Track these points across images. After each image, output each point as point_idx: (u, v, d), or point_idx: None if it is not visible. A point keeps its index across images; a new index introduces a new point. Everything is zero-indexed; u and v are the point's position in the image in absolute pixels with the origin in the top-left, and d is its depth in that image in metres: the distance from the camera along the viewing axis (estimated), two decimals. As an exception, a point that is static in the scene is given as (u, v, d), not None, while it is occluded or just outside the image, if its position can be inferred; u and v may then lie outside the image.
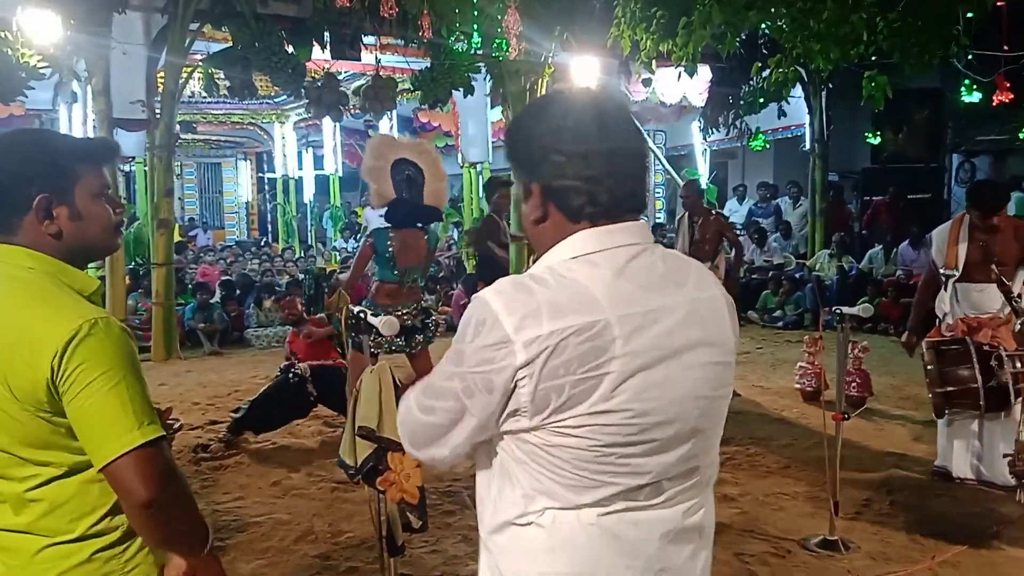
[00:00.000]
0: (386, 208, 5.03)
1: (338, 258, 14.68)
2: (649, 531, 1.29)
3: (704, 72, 10.71)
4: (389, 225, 5.10)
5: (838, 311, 3.99)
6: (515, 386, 1.20)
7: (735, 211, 13.90)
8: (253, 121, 16.41)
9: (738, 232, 9.44)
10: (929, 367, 4.50)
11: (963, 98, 10.04)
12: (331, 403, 5.79)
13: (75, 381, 1.44)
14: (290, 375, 5.75)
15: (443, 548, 3.89)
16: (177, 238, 11.29)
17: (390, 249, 5.05)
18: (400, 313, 4.92)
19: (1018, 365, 4.35)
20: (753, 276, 11.40)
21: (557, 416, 1.20)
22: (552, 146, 1.27)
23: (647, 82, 10.27)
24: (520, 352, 1.18)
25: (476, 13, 8.52)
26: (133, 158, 11.25)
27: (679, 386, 1.26)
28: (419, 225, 5.19)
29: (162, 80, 8.59)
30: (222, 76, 9.90)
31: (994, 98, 8.92)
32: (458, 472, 4.99)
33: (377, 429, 2.90)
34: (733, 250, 7.32)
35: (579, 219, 1.28)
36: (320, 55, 8.99)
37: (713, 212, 7.36)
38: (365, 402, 2.92)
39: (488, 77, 9.95)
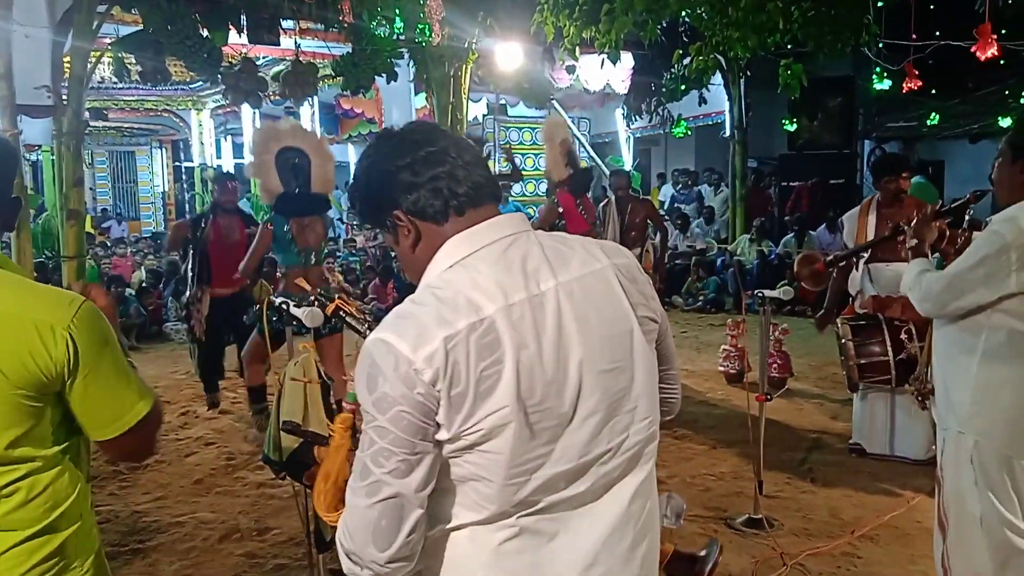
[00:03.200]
0: (274, 202, 4.97)
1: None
2: (577, 533, 1.30)
3: (627, 59, 10.82)
4: None
5: (760, 294, 4.08)
6: (438, 401, 1.20)
7: (665, 196, 14.12)
8: (168, 108, 15.84)
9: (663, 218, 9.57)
10: (843, 340, 4.70)
11: (874, 86, 10.38)
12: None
13: (84, 361, 1.48)
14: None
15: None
16: (89, 230, 10.85)
17: (289, 232, 4.96)
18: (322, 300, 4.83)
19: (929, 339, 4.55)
20: (677, 261, 11.59)
21: (469, 421, 1.21)
22: (395, 170, 1.32)
23: (571, 69, 10.30)
24: (425, 371, 1.19)
25: (398, -2, 8.40)
26: (39, 146, 10.74)
27: (572, 365, 1.26)
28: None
29: (69, 65, 8.20)
30: (133, 61, 9.48)
31: (904, 85, 9.25)
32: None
33: (302, 423, 2.83)
34: (659, 235, 7.42)
35: (447, 217, 1.32)
36: (237, 39, 8.70)
37: (641, 198, 7.47)
38: (289, 395, 2.85)
39: (411, 63, 9.82)
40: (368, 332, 1.89)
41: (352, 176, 1.42)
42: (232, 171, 16.87)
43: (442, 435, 1.22)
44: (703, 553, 2.52)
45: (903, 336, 4.55)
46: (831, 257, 4.70)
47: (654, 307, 1.41)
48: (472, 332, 1.20)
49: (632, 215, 6.94)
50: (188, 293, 5.98)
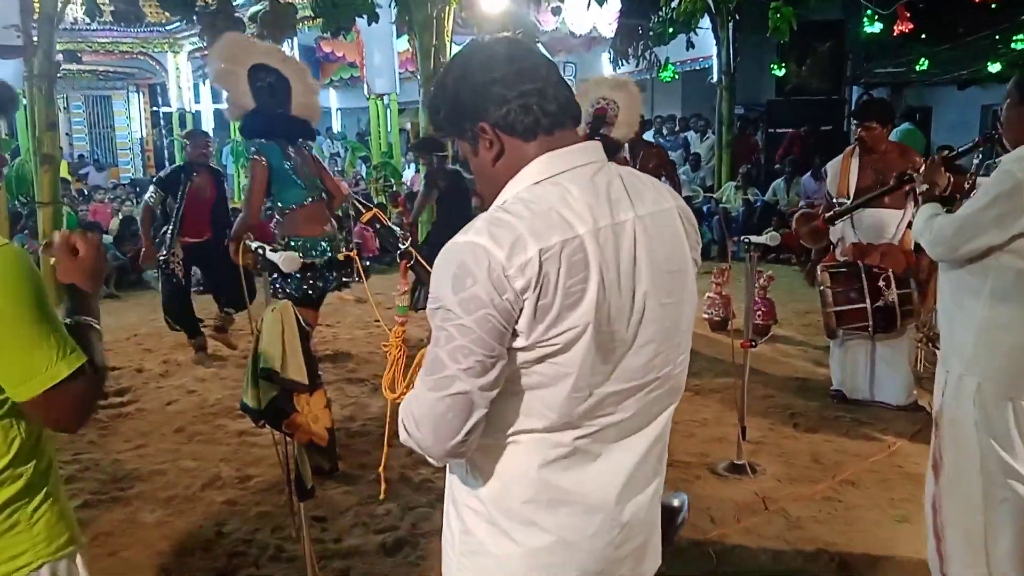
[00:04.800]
0: (241, 120, 4.35)
1: (241, 196, 14.16)
2: (615, 460, 1.39)
3: (613, 2, 10.59)
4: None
5: (746, 240, 4.03)
6: (521, 309, 1.24)
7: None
8: (144, 50, 15.43)
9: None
10: (822, 287, 4.69)
11: (865, 29, 10.23)
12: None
13: None
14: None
15: (357, 489, 3.83)
16: (65, 175, 10.63)
17: (288, 163, 4.33)
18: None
19: (907, 287, 4.55)
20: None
21: (549, 333, 1.26)
22: (486, 81, 1.33)
23: (556, 11, 10.10)
24: (517, 278, 1.23)
25: (379, -65, 8.14)
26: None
27: (639, 294, 1.34)
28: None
29: (38, 3, 7.94)
30: (106, 1, 9.21)
31: (895, 28, 9.12)
32: (371, 411, 4.92)
33: (281, 371, 2.79)
34: (668, 183, 7.28)
35: (535, 135, 1.34)
36: (213, -22, 8.44)
37: (652, 144, 7.26)
38: (267, 343, 2.80)
39: (393, 3, 9.58)
40: (403, 245, 1.89)
41: (437, 84, 1.41)
42: (211, 118, 16.62)
43: (519, 343, 1.27)
44: (676, 503, 2.50)
45: (881, 283, 4.56)
46: (831, 213, 4.66)
47: (699, 251, 1.51)
48: (564, 248, 1.25)
49: (644, 161, 6.74)
50: (166, 248, 5.99)
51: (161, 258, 5.98)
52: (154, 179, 6.95)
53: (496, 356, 1.26)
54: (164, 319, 6.24)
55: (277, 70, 4.39)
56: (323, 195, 4.52)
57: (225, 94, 4.33)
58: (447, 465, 1.48)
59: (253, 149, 4.43)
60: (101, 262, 1.64)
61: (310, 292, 4.46)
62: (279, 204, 4.46)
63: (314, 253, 4.27)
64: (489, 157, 1.37)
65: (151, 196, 6.14)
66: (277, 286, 4.34)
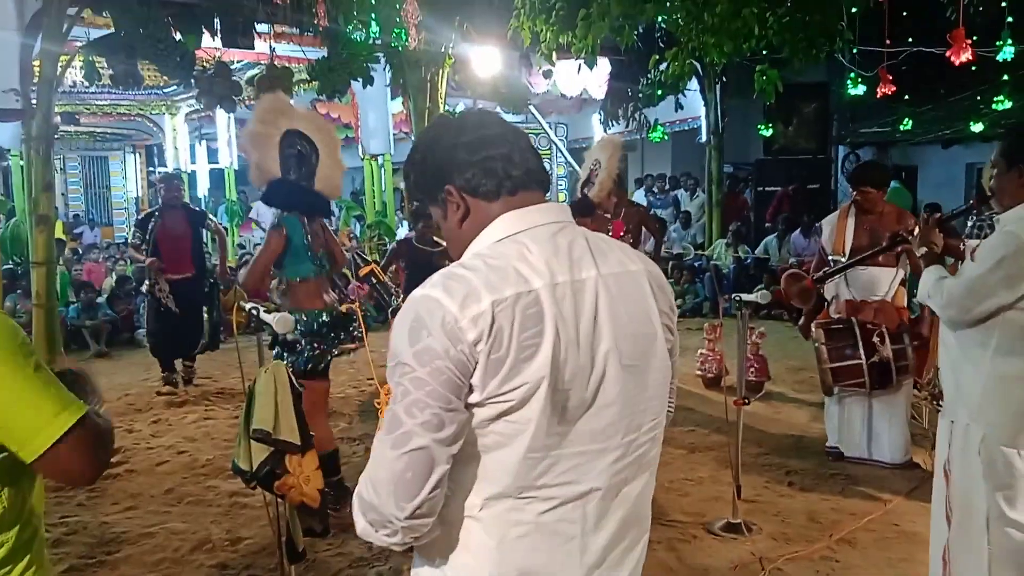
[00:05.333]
0: (265, 187, 4.21)
1: (237, 255, 14.20)
2: (586, 531, 1.34)
3: (603, 64, 10.80)
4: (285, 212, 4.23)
5: (737, 298, 4.07)
6: (476, 362, 1.24)
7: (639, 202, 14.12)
8: (141, 112, 15.64)
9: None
10: (817, 344, 4.71)
11: (848, 91, 10.45)
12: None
13: None
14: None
15: (348, 550, 3.78)
16: (60, 235, 10.66)
17: (307, 238, 4.18)
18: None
19: (901, 343, 4.58)
20: (654, 266, 11.59)
21: (503, 387, 1.24)
22: (454, 147, 1.39)
23: (548, 74, 10.26)
24: (470, 330, 1.23)
25: (373, 1, 8.33)
26: (8, 151, 10.56)
27: (600, 354, 1.32)
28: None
29: (38, 68, 8.06)
30: (104, 64, 9.34)
31: (877, 91, 9.31)
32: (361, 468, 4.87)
33: (273, 432, 2.78)
34: (652, 240, 7.35)
35: (499, 196, 1.37)
36: (211, 43, 8.60)
37: (634, 203, 7.36)
38: (260, 404, 2.79)
39: (388, 67, 9.76)
40: (398, 302, 1.91)
41: (410, 151, 1.47)
42: (207, 178, 16.75)
43: (474, 398, 1.26)
44: None
45: (875, 339, 4.58)
46: (820, 274, 4.71)
47: (674, 320, 1.48)
48: (519, 301, 1.25)
49: (626, 219, 6.83)
50: (148, 280, 6.89)
51: (144, 289, 6.82)
52: (135, 222, 7.92)
53: (453, 409, 1.24)
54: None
55: (310, 138, 4.24)
56: (324, 267, 4.35)
57: (253, 157, 4.15)
58: (413, 557, 1.43)
59: (275, 220, 4.28)
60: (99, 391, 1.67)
61: (319, 362, 4.22)
62: (287, 276, 4.27)
63: (315, 326, 4.17)
64: (456, 219, 1.40)
65: (133, 236, 7.09)
66: (286, 361, 3.95)
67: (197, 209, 7.82)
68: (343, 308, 4.20)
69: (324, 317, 4.15)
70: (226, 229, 15.97)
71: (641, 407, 1.39)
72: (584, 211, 5.81)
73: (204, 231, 7.45)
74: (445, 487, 1.28)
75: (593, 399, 1.32)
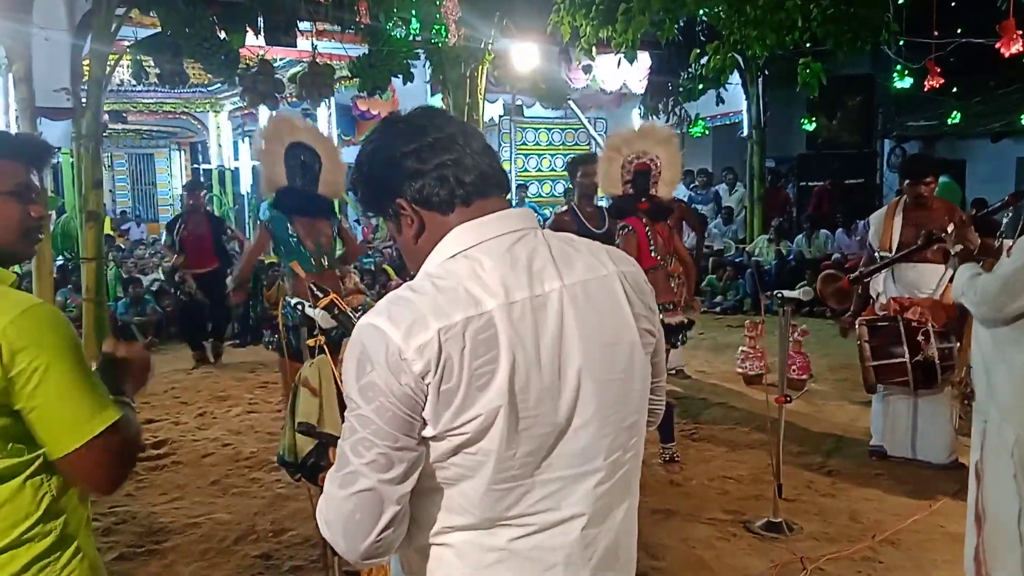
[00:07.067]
0: (274, 196, 4.73)
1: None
2: (569, 551, 1.24)
3: (644, 59, 10.74)
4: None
5: (779, 295, 4.03)
6: (426, 396, 1.15)
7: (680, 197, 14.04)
8: (186, 110, 15.91)
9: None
10: (860, 342, 4.65)
11: (895, 84, 10.26)
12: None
13: (25, 369, 1.39)
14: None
15: (389, 543, 3.82)
16: (108, 231, 10.92)
17: (293, 236, 4.69)
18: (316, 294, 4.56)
19: (948, 342, 4.49)
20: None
21: (457, 420, 1.15)
22: (400, 157, 1.26)
23: (587, 69, 10.24)
24: (416, 361, 1.13)
25: (414, -1, 8.39)
26: (59, 149, 10.81)
27: (571, 372, 1.22)
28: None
29: (88, 67, 8.26)
30: (151, 63, 9.53)
31: (925, 83, 9.12)
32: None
33: (318, 424, 2.82)
34: (693, 235, 7.29)
35: (452, 207, 1.26)
36: (254, 41, 8.73)
37: (675, 198, 7.21)
38: (304, 397, 2.84)
39: (428, 64, 9.81)
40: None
41: (354, 162, 1.34)
42: (249, 175, 16.97)
43: (428, 432, 1.17)
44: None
45: (920, 338, 4.47)
46: (856, 274, 4.64)
47: (655, 321, 1.36)
48: (469, 326, 1.15)
49: None
50: (177, 275, 8.30)
51: (177, 278, 8.20)
52: (166, 225, 9.58)
53: (401, 447, 1.16)
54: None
55: (312, 148, 4.79)
56: (330, 264, 4.86)
57: (264, 170, 4.80)
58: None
59: (267, 218, 4.84)
60: (144, 378, 1.70)
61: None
62: (285, 267, 4.83)
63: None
64: (411, 234, 1.29)
65: (164, 237, 8.91)
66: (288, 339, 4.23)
67: (216, 215, 10.12)
68: (320, 303, 4.28)
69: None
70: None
71: (626, 423, 1.29)
72: (659, 214, 4.97)
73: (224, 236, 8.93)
74: (402, 524, 1.21)
75: (568, 422, 1.22)
